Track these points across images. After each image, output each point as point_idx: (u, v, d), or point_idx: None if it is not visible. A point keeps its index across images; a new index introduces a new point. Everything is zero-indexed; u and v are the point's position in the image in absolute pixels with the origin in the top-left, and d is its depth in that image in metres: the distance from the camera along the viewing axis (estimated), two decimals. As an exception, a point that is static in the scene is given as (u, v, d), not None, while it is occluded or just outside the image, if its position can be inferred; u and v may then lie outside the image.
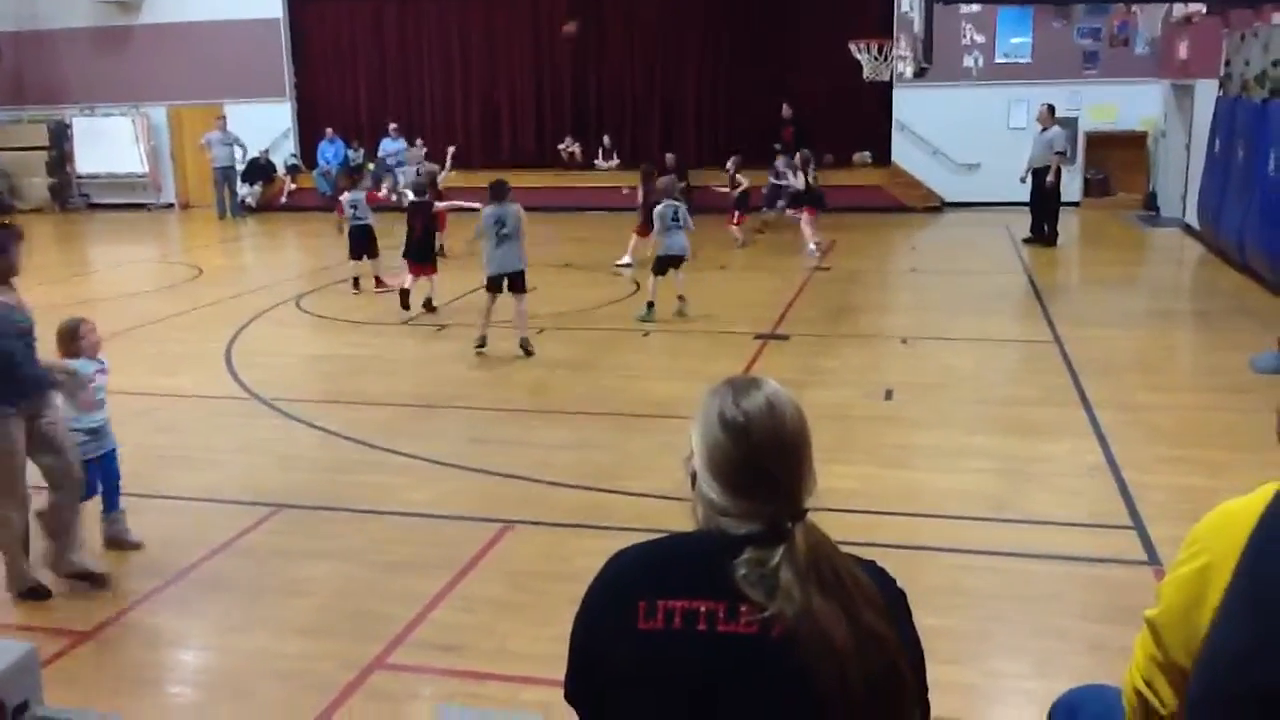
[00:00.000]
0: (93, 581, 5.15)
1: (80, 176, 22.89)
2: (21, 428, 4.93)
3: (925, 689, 1.74)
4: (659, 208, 11.10)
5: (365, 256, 12.79)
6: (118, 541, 5.63)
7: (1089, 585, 5.02)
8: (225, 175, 20.84)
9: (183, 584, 5.22)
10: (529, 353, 9.40)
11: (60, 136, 22.78)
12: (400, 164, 20.36)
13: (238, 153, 20.99)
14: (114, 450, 5.72)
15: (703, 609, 1.64)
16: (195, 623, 4.95)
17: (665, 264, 10.97)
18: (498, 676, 4.26)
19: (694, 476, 1.76)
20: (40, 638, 4.19)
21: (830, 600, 1.60)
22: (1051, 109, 15.95)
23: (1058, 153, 15.45)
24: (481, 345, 9.50)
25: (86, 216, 22.12)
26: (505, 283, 9.49)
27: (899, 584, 1.76)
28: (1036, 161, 15.58)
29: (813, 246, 14.43)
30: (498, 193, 9.51)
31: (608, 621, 1.72)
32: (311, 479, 6.58)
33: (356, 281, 12.82)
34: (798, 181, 15.14)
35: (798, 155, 15.40)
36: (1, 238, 5.02)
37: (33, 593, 5.04)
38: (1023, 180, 15.80)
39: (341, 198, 13.40)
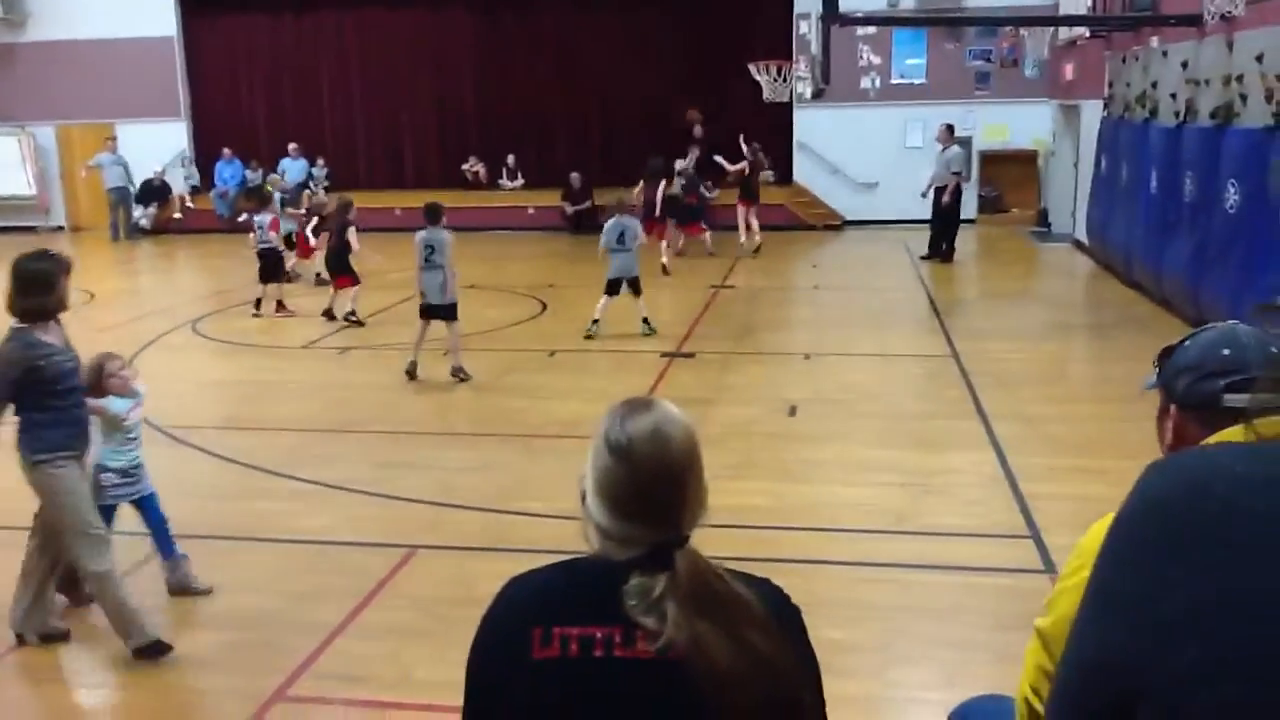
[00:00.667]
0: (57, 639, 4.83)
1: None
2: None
3: (822, 703, 1.75)
4: (606, 225, 10.96)
5: (271, 280, 12.65)
6: (183, 588, 5.24)
7: (990, 595, 5.13)
8: (120, 196, 20.30)
9: (73, 619, 5.03)
10: (461, 379, 9.22)
11: (-60, 155, 21.93)
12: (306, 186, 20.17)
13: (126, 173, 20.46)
14: (152, 494, 5.31)
15: (599, 635, 1.63)
16: (91, 658, 4.79)
17: (615, 285, 10.77)
18: (403, 705, 4.19)
19: (584, 496, 1.76)
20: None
21: (714, 625, 1.60)
22: (950, 129, 16.35)
23: (954, 172, 15.84)
24: (411, 372, 9.26)
25: (-30, 240, 21.33)
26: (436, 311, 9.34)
27: (792, 601, 1.77)
28: (938, 180, 15.94)
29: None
30: (431, 216, 9.42)
31: (503, 651, 1.70)
32: (209, 508, 6.41)
33: (259, 303, 12.61)
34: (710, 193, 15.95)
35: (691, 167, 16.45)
36: (48, 270, 4.55)
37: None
38: (924, 196, 16.15)
39: (254, 219, 13.20)
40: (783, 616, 1.70)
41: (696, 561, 1.65)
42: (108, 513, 4.99)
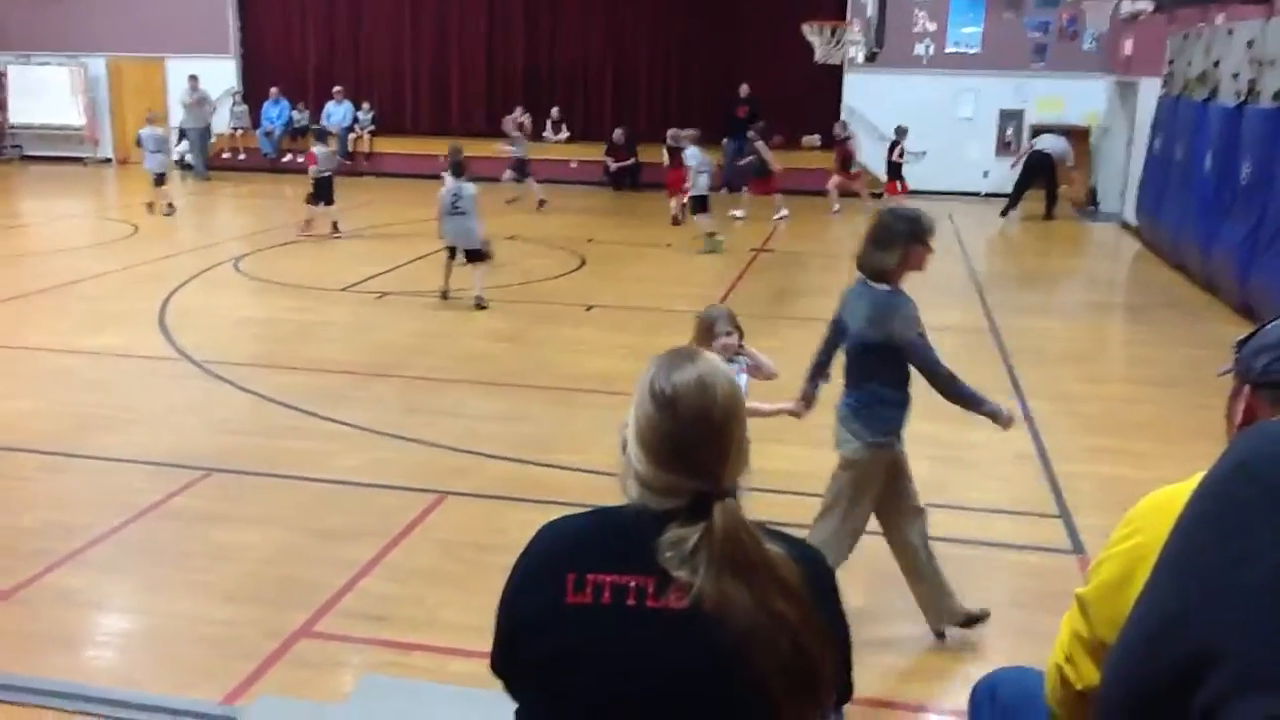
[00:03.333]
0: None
1: (13, 127, 22.27)
2: None
3: (847, 670, 1.75)
4: (441, 192, 10.45)
5: (322, 202, 14.16)
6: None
7: (1015, 571, 5.11)
8: (201, 136, 20.40)
9: (106, 546, 5.12)
10: (480, 307, 10.00)
11: (-7, 84, 22.17)
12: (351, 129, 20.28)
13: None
14: None
15: (632, 584, 1.64)
16: (118, 585, 4.87)
17: (467, 256, 10.40)
18: (426, 647, 4.23)
19: (624, 444, 1.76)
20: (-46, 597, 4.09)
21: (741, 582, 1.60)
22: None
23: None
24: (444, 294, 10.29)
25: (19, 168, 21.54)
26: (460, 253, 10.32)
27: (828, 564, 1.77)
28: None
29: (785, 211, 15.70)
30: (455, 170, 10.54)
31: (535, 594, 1.71)
32: (242, 443, 6.48)
33: (307, 223, 14.17)
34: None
35: (750, 131, 16.25)
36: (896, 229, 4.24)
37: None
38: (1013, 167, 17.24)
39: (314, 149, 14.41)
40: (815, 581, 1.69)
41: (733, 515, 1.65)
42: None
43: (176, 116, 20.77)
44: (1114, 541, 1.86)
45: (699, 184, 13.57)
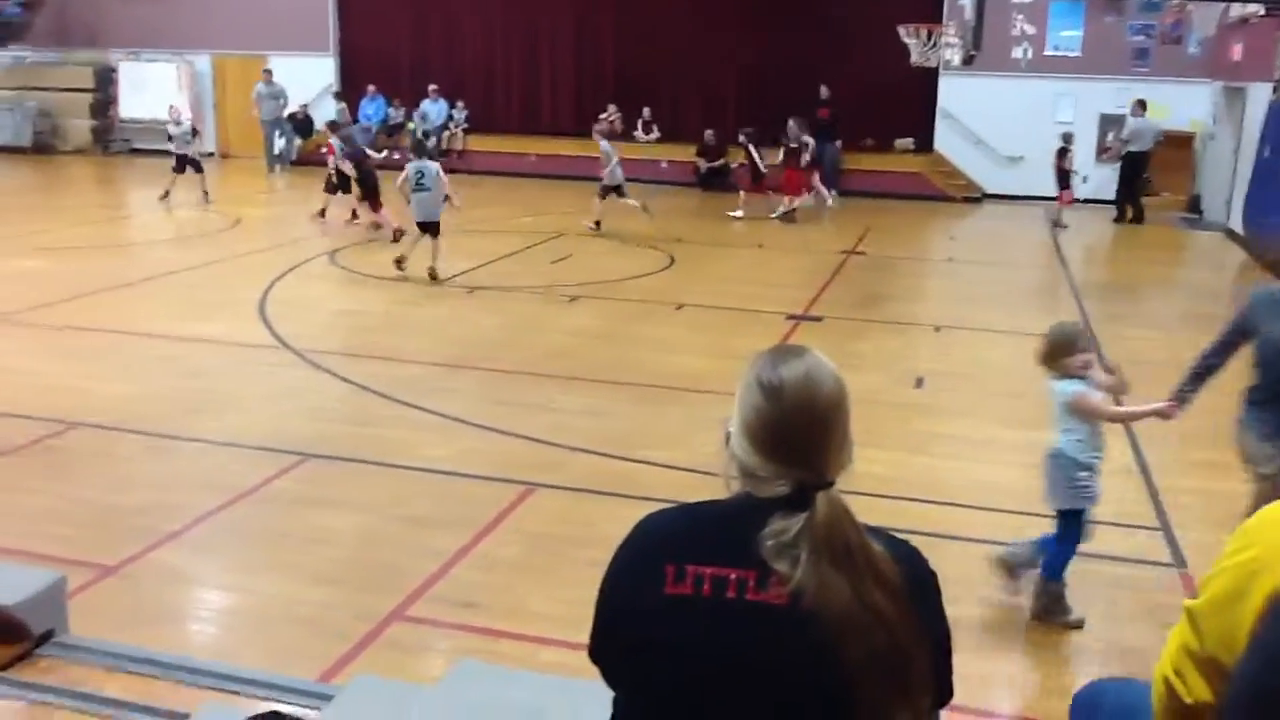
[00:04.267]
0: None
1: (123, 121, 23.00)
2: None
3: (947, 673, 1.72)
4: (406, 168, 11.43)
5: (340, 192, 14.88)
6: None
7: (1111, 584, 4.99)
8: (274, 127, 20.91)
9: (208, 526, 5.26)
10: (433, 277, 10.96)
11: (105, 80, 22.89)
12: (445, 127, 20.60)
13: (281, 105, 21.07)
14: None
15: (733, 576, 1.63)
16: (218, 564, 5.00)
17: (423, 229, 11.28)
18: (514, 635, 4.27)
19: (728, 438, 1.76)
20: (66, 569, 4.23)
21: (840, 573, 1.59)
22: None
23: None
24: (399, 263, 11.15)
25: (127, 161, 22.23)
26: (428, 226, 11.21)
27: (929, 566, 1.75)
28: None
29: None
30: (418, 150, 11.78)
31: (635, 584, 1.71)
32: (338, 430, 6.62)
33: (323, 212, 14.96)
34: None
35: (741, 135, 16.86)
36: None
37: None
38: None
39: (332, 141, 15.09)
40: (915, 580, 1.67)
41: (836, 506, 1.64)
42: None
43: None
44: (1227, 555, 1.81)
45: (614, 174, 14.13)
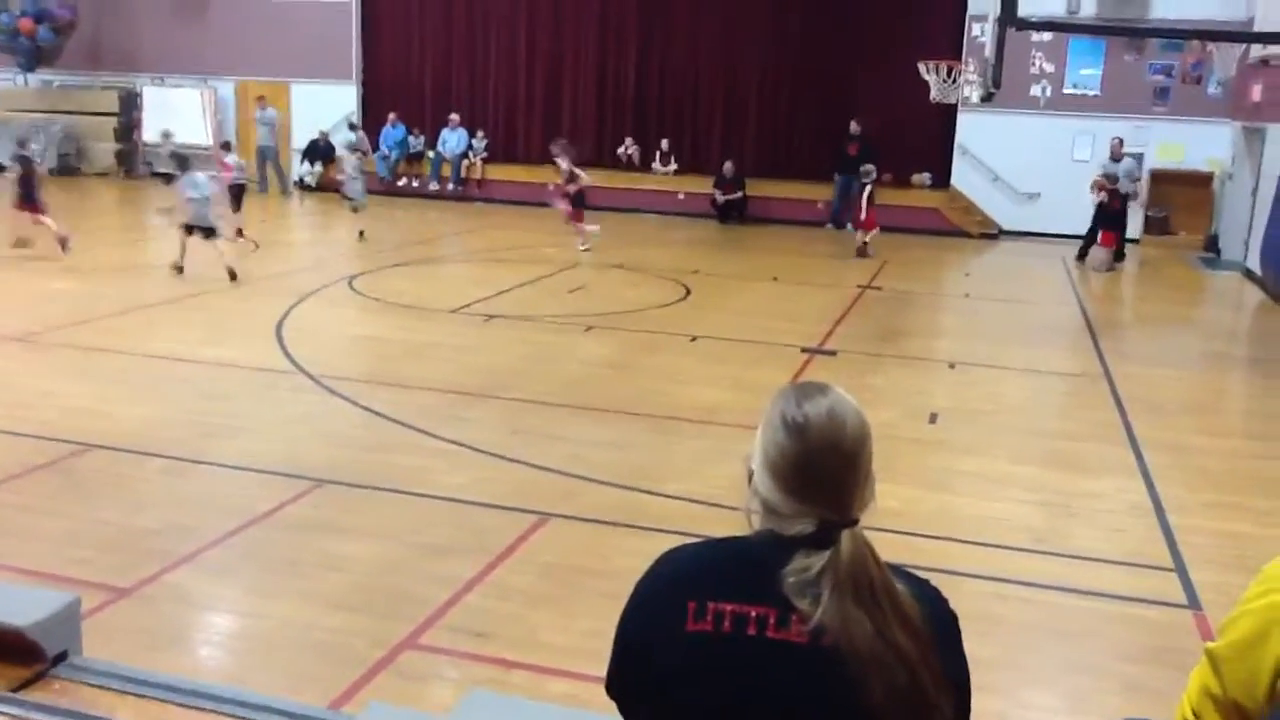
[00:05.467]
0: None
1: (147, 144, 23.22)
2: None
3: (965, 714, 1.72)
4: (178, 184, 12.56)
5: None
6: None
7: (1125, 624, 4.96)
8: (263, 154, 21.17)
9: (222, 549, 5.28)
10: (233, 275, 11.99)
11: (130, 104, 23.14)
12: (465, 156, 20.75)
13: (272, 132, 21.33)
14: None
15: (753, 614, 1.63)
16: (232, 588, 5.02)
17: (190, 228, 12.34)
18: (526, 666, 4.26)
19: (750, 475, 1.76)
20: (81, 591, 4.25)
21: (862, 611, 1.59)
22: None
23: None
24: (178, 266, 12.24)
25: (150, 184, 22.42)
26: (198, 231, 12.21)
27: (950, 607, 1.75)
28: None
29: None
30: (182, 165, 12.62)
31: (656, 619, 1.71)
32: (352, 456, 6.64)
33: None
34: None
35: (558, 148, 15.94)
36: None
37: None
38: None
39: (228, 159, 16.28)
40: (937, 620, 1.67)
41: (861, 544, 1.64)
42: None
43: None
44: (1249, 598, 1.81)
45: (200, 214, 12.43)
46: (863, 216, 16.24)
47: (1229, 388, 10.04)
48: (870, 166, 16.45)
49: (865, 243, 16.17)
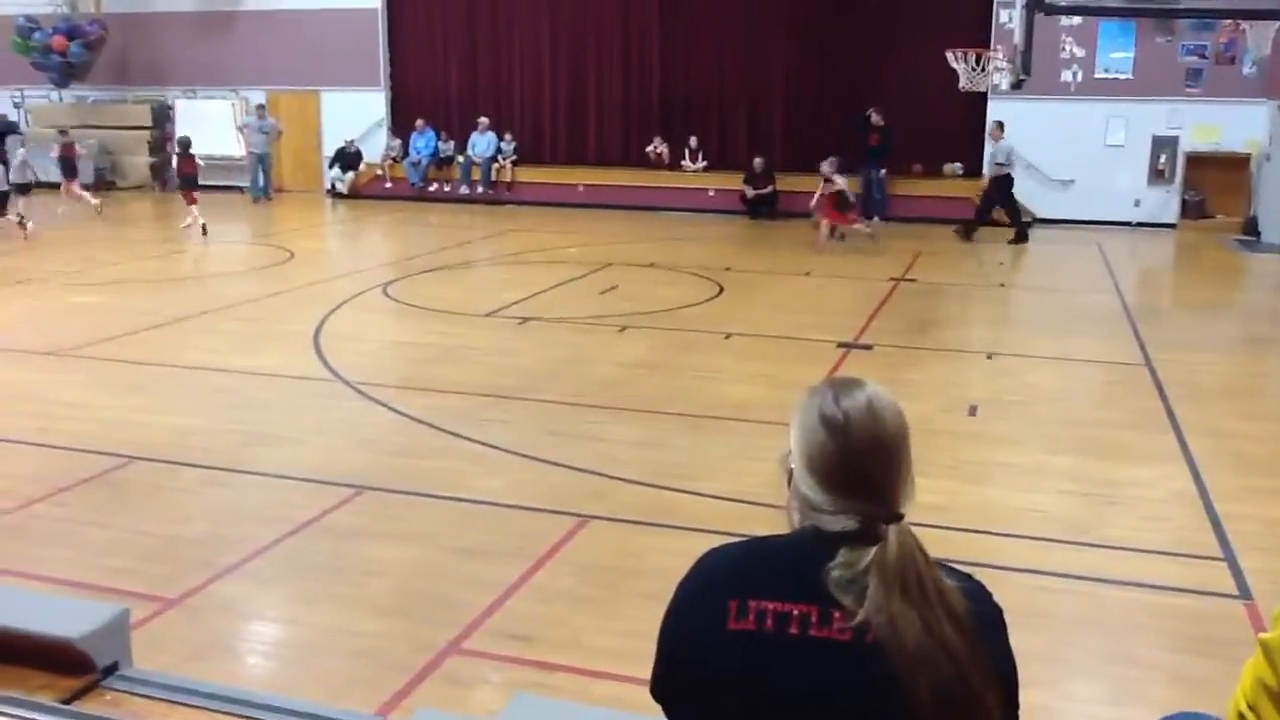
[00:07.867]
0: None
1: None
2: None
3: (1014, 710, 1.71)
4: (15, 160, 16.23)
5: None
6: None
7: (1171, 615, 4.90)
8: (255, 160, 21.37)
9: (265, 558, 5.33)
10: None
11: (162, 117, 23.39)
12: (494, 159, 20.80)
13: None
14: None
15: (795, 612, 1.63)
16: (276, 596, 5.06)
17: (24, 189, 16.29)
18: (569, 669, 4.28)
19: (790, 475, 1.76)
20: (129, 602, 4.30)
21: (909, 606, 1.59)
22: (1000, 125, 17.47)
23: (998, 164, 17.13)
24: (21, 223, 15.30)
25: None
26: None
27: (995, 601, 1.74)
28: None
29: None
30: (6, 129, 16.07)
31: (697, 619, 1.72)
32: (391, 462, 6.68)
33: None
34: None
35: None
36: None
37: None
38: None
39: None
40: (983, 616, 1.67)
41: (907, 539, 1.64)
42: None
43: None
44: None
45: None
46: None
47: (1272, 371, 9.90)
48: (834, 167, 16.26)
49: (842, 234, 16.05)
